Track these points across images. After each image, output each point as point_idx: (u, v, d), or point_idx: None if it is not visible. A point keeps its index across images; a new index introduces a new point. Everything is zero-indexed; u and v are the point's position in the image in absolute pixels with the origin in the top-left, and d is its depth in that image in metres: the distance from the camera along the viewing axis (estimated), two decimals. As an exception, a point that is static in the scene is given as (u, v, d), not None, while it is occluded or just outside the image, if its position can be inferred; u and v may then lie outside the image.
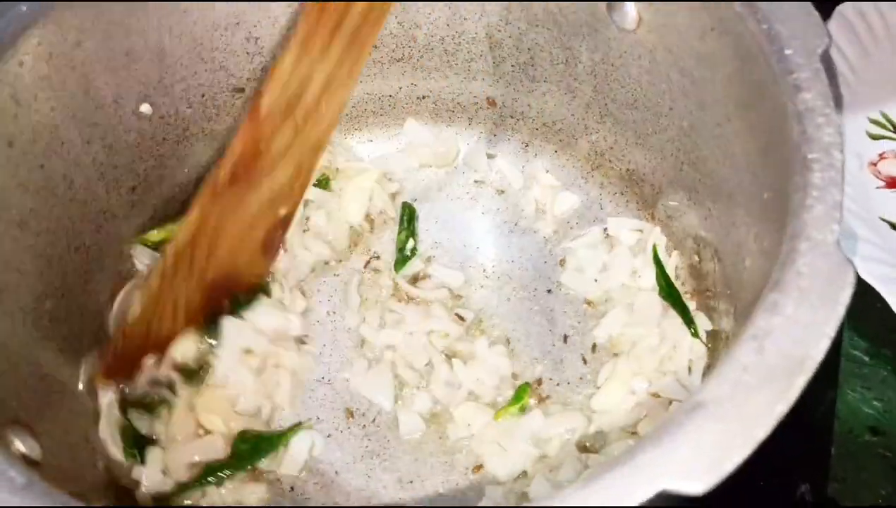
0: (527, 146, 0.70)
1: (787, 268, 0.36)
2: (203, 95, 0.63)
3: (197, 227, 0.56)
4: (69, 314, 0.56)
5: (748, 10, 0.45)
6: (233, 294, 0.58)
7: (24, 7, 0.50)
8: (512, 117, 0.69)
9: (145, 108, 0.60)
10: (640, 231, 0.63)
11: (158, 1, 0.56)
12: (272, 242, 0.60)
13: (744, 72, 0.46)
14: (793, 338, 0.34)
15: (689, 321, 0.57)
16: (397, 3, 0.59)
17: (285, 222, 0.60)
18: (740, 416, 0.32)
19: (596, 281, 0.62)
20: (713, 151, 0.53)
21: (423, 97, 0.70)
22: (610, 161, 0.66)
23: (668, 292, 0.59)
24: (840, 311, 0.34)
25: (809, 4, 0.44)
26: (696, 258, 0.59)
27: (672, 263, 0.60)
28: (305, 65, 0.53)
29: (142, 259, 0.62)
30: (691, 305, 0.58)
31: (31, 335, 0.52)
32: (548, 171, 0.69)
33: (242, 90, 0.65)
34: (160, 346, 0.56)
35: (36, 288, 0.53)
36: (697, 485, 0.31)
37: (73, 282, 0.57)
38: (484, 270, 0.65)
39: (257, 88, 0.53)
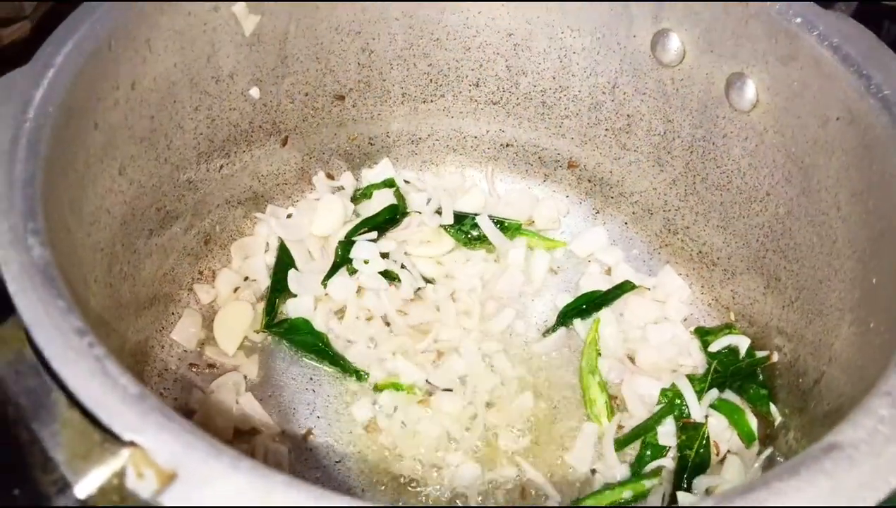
0: (597, 213, 0.71)
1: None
2: (307, 94, 0.64)
3: None
4: (132, 273, 0.55)
5: (882, 103, 0.47)
6: None
7: (180, -38, 0.52)
8: (590, 182, 0.70)
9: (254, 92, 0.61)
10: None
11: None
12: None
13: (866, 161, 0.48)
14: (927, 401, 0.34)
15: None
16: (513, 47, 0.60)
17: None
18: (875, 462, 0.32)
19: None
20: (809, 238, 0.54)
21: (507, 145, 0.71)
22: (682, 240, 0.66)
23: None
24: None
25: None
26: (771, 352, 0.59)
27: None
28: None
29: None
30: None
31: (106, 276, 0.51)
32: (613, 243, 0.70)
33: (343, 98, 0.66)
34: None
35: (117, 235, 0.52)
36: (831, 521, 0.30)
37: (142, 246, 0.56)
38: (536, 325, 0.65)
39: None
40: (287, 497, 0.30)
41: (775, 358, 0.57)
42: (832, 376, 0.49)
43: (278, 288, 0.62)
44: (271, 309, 0.61)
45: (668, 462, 0.55)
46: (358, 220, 0.66)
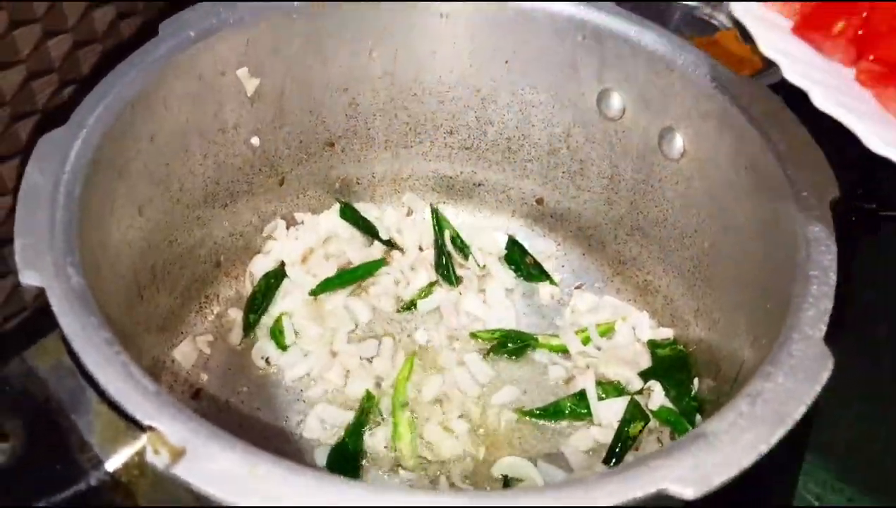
0: (559, 245, 0.80)
1: (782, 350, 0.45)
2: (301, 141, 0.74)
3: None
4: (148, 297, 0.65)
5: (777, 156, 0.56)
6: None
7: (191, 33, 0.61)
8: (552, 217, 0.79)
9: (255, 141, 0.70)
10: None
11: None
12: None
13: (767, 203, 0.57)
14: (779, 400, 0.43)
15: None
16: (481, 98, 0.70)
17: None
18: (732, 448, 0.41)
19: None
20: (728, 270, 0.63)
21: (479, 184, 0.80)
22: (630, 270, 0.76)
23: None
24: (817, 388, 0.43)
25: (825, 160, 0.55)
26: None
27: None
28: None
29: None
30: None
31: (126, 299, 0.60)
32: (573, 271, 0.79)
33: (333, 145, 0.76)
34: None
35: (136, 265, 0.62)
36: (690, 491, 0.39)
37: (160, 272, 0.66)
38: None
39: None
40: (269, 468, 0.38)
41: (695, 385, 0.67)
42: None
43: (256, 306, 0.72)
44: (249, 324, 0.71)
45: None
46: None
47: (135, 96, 0.58)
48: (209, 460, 0.39)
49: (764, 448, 0.41)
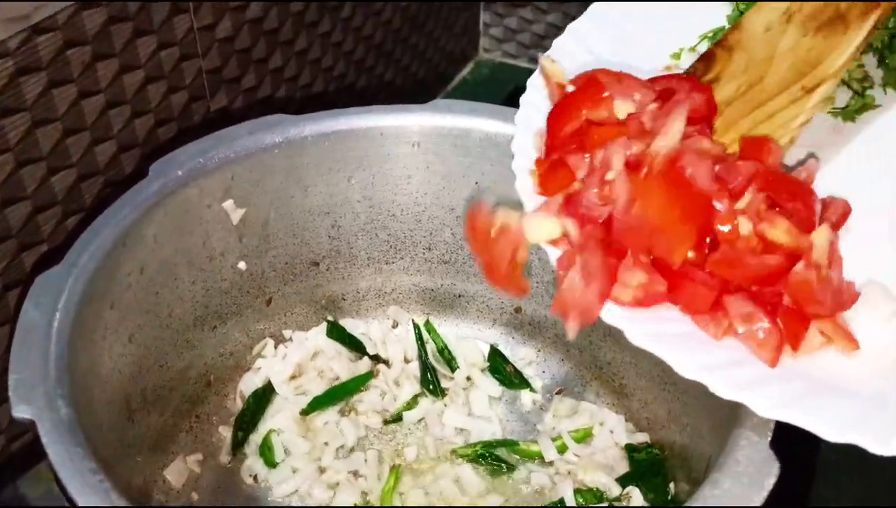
0: (539, 351, 0.83)
1: (729, 457, 0.48)
2: (286, 263, 0.78)
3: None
4: (139, 420, 0.68)
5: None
6: None
7: (179, 172, 0.66)
8: (530, 325, 0.83)
9: (242, 265, 0.75)
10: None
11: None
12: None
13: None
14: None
15: None
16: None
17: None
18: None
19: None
20: (690, 374, 0.65)
21: (460, 296, 0.84)
22: (606, 374, 0.78)
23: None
24: (764, 493, 0.46)
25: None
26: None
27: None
28: None
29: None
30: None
31: (116, 423, 0.63)
32: (553, 376, 0.81)
33: (317, 264, 0.80)
34: None
35: (127, 390, 0.65)
36: None
37: (150, 396, 0.69)
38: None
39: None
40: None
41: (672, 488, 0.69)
42: (707, 489, 0.60)
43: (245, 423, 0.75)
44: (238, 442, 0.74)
45: None
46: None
47: (125, 234, 0.62)
48: (182, 584, 0.41)
49: (711, 554, 0.43)
